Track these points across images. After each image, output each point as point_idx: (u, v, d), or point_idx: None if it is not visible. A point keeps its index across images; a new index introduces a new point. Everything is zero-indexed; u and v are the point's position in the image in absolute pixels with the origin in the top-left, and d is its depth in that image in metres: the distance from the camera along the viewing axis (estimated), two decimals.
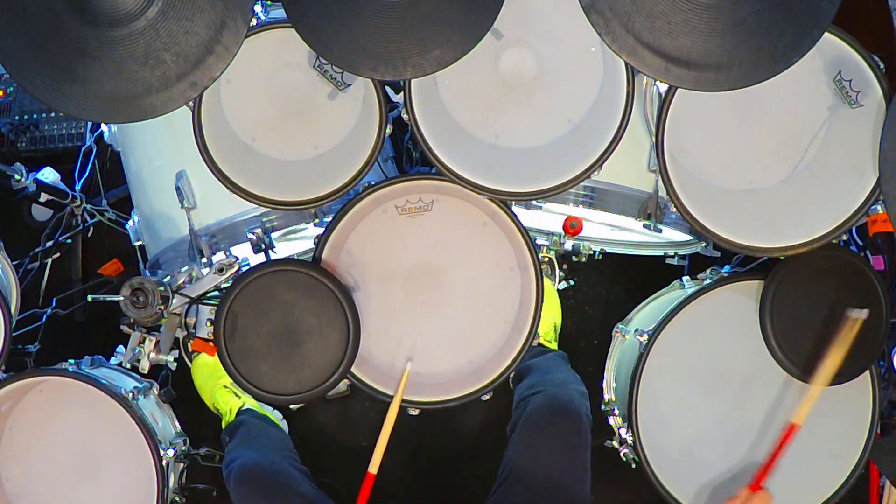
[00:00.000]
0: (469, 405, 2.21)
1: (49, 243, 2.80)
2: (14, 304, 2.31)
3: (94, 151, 2.83)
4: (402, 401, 2.18)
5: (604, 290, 2.82)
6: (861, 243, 2.42)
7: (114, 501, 2.25)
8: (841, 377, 2.08)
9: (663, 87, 1.97)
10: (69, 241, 2.84)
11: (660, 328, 2.17)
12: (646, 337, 2.19)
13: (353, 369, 2.15)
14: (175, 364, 2.35)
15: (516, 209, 2.17)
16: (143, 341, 2.30)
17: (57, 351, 2.40)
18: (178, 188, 2.17)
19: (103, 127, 2.43)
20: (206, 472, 2.47)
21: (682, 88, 1.90)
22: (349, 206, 2.12)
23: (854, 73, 1.97)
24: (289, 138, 2.14)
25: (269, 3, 2.07)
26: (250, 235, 2.17)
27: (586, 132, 2.09)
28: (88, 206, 2.80)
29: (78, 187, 2.81)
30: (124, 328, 2.31)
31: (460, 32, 1.85)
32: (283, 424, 2.58)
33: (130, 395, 2.17)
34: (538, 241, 2.45)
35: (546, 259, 2.49)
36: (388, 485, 2.72)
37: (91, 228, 2.86)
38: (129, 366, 2.32)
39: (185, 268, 2.27)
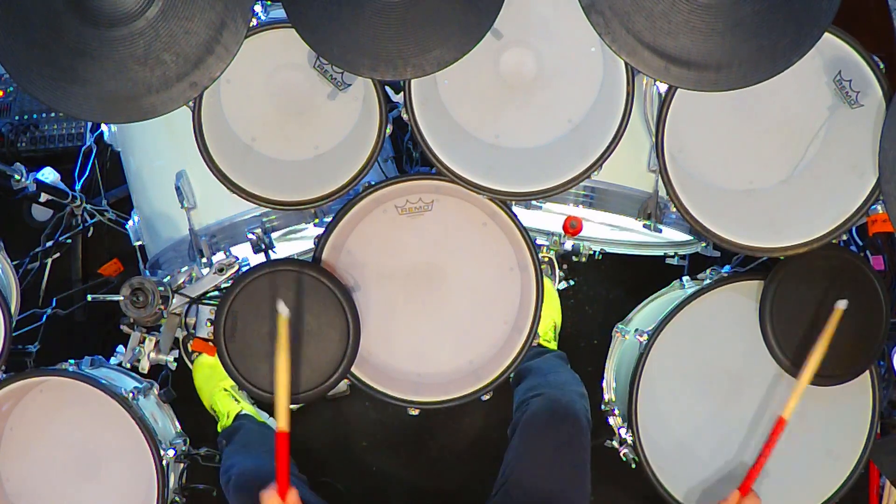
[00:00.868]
0: (469, 405, 2.21)
1: (49, 243, 2.80)
2: (14, 304, 2.31)
3: (94, 151, 2.83)
4: (402, 401, 2.18)
5: (604, 290, 2.82)
6: (861, 243, 2.42)
7: (114, 501, 2.25)
8: (841, 377, 2.08)
9: (663, 87, 1.97)
10: (69, 241, 2.84)
11: (660, 328, 2.17)
12: (646, 337, 2.19)
13: (353, 369, 2.15)
14: (175, 364, 2.35)
15: (516, 209, 2.17)
16: (143, 341, 2.31)
17: (57, 351, 2.40)
18: (178, 188, 2.17)
19: (103, 127, 2.43)
20: (206, 472, 2.47)
21: (682, 88, 1.89)
22: (349, 206, 2.12)
23: (854, 73, 1.97)
24: (289, 138, 2.14)
25: (269, 3, 2.07)
26: (250, 235, 2.17)
27: (586, 132, 2.09)
28: (88, 206, 2.80)
29: (78, 187, 2.81)
30: (124, 328, 2.31)
31: (460, 32, 1.85)
32: None
33: (130, 395, 2.17)
34: (538, 241, 2.45)
35: (546, 259, 2.49)
36: (388, 485, 2.72)
37: (91, 228, 2.86)
38: (129, 366, 2.32)
39: (185, 268, 2.27)
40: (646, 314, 2.42)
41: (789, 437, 2.15)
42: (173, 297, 2.25)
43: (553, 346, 2.56)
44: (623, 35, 1.82)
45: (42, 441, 2.26)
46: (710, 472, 2.23)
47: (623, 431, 2.29)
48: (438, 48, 1.85)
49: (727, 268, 2.28)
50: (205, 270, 2.24)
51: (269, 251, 2.19)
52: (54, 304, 2.68)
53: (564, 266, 2.57)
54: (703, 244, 2.37)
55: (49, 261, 2.84)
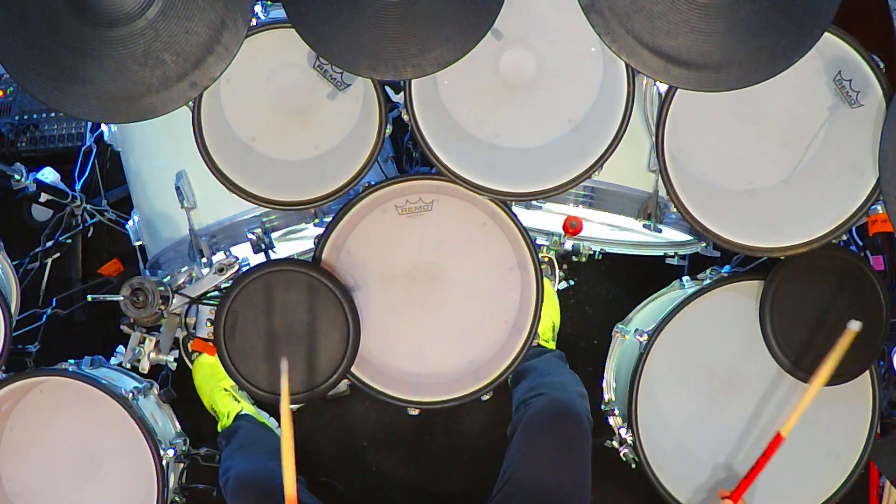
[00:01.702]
0: (469, 405, 2.21)
1: (49, 243, 2.79)
2: (14, 304, 2.30)
3: (94, 151, 2.83)
4: (402, 401, 2.18)
5: (604, 290, 2.82)
6: (861, 243, 2.42)
7: (114, 501, 2.25)
8: (840, 377, 2.08)
9: (663, 87, 1.97)
10: (69, 241, 2.84)
11: (660, 328, 2.17)
12: (646, 337, 2.19)
13: (353, 369, 2.15)
14: (175, 364, 2.35)
15: (516, 209, 2.17)
16: (143, 341, 2.31)
17: (57, 351, 2.40)
18: (178, 188, 2.17)
19: (103, 127, 2.43)
20: (206, 472, 2.47)
21: (682, 88, 1.90)
22: (349, 206, 2.12)
23: (854, 73, 1.97)
24: (289, 138, 2.14)
25: (269, 3, 2.07)
26: (250, 235, 2.17)
27: (586, 132, 2.09)
28: (88, 206, 2.80)
29: (78, 187, 2.81)
30: (124, 328, 2.31)
31: (460, 32, 1.85)
32: (279, 433, 2.57)
33: (130, 395, 2.17)
34: (538, 241, 2.45)
35: (546, 259, 2.49)
36: (388, 485, 2.72)
37: (91, 228, 2.86)
38: (129, 366, 2.32)
39: (185, 268, 2.27)
40: (646, 314, 2.42)
41: (790, 437, 2.16)
42: (173, 297, 2.25)
43: (552, 346, 2.56)
44: (623, 35, 1.82)
45: (42, 441, 2.26)
46: (710, 472, 2.23)
47: (623, 431, 2.29)
48: (438, 48, 1.85)
49: (727, 268, 2.28)
50: (205, 270, 2.24)
51: (269, 251, 2.19)
52: (54, 304, 2.68)
53: (564, 266, 2.57)
54: (703, 244, 2.36)
55: (49, 261, 2.83)
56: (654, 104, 2.06)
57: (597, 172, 2.03)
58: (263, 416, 2.55)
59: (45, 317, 2.63)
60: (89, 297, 2.38)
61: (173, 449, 2.23)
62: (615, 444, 2.34)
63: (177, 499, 2.28)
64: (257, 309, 2.10)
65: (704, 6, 1.79)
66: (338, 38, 1.86)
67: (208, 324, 2.26)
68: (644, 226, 2.17)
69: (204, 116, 2.01)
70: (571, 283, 2.63)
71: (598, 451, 2.21)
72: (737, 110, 2.08)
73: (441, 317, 2.24)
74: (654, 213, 2.14)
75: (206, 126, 2.01)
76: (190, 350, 2.36)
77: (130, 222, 2.44)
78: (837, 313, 2.09)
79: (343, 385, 2.51)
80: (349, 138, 2.13)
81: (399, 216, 2.21)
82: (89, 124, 2.88)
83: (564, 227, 2.28)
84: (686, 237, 2.36)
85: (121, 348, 2.34)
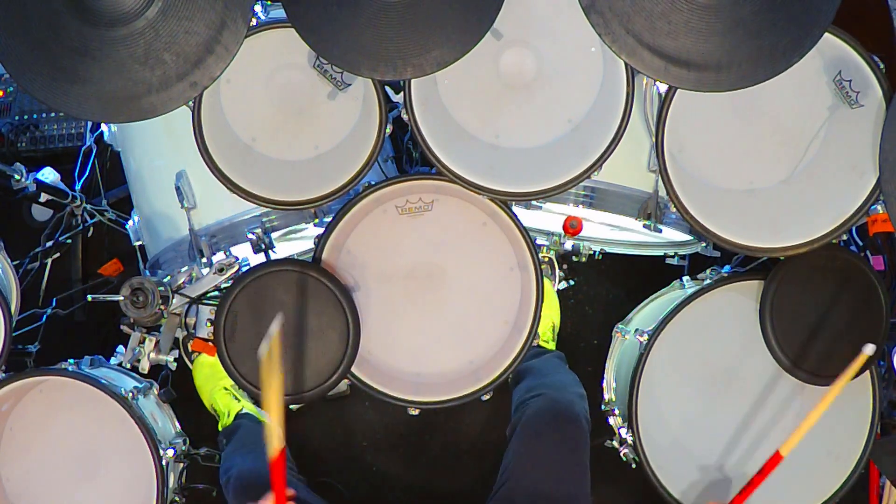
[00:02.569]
0: (469, 405, 2.21)
1: (49, 243, 2.80)
2: (14, 304, 2.30)
3: (94, 151, 2.83)
4: (402, 401, 2.18)
5: (604, 290, 2.82)
6: (861, 243, 2.42)
7: (114, 501, 2.25)
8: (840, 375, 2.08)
9: (663, 87, 1.97)
10: (69, 241, 2.84)
11: (660, 328, 2.17)
12: (646, 337, 2.19)
13: (353, 369, 2.15)
14: (175, 364, 2.35)
15: (516, 209, 2.17)
16: (143, 341, 2.31)
17: (57, 351, 2.40)
18: (178, 188, 2.17)
19: (103, 127, 2.43)
20: (206, 472, 2.47)
21: (682, 89, 1.89)
22: (349, 206, 2.12)
23: (854, 73, 1.97)
24: (289, 138, 2.14)
25: (269, 3, 2.07)
26: (250, 235, 2.17)
27: (586, 132, 2.09)
28: (88, 206, 2.80)
29: (78, 187, 2.81)
30: (124, 328, 2.31)
31: (460, 32, 1.85)
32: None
33: (130, 395, 2.17)
34: (538, 241, 2.45)
35: (546, 259, 2.49)
36: (388, 485, 2.72)
37: (91, 228, 2.86)
38: (129, 366, 2.32)
39: (185, 268, 2.27)
40: (646, 314, 2.42)
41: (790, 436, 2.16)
42: (173, 297, 2.25)
43: (551, 346, 2.55)
44: (623, 35, 1.82)
45: (42, 441, 2.26)
46: (710, 472, 2.23)
47: (623, 431, 2.29)
48: (438, 48, 1.85)
49: (727, 268, 2.28)
50: (205, 270, 2.24)
51: (269, 251, 2.19)
52: (54, 304, 2.68)
53: (564, 266, 2.57)
54: (703, 244, 2.36)
55: (49, 261, 2.84)
56: (654, 104, 2.06)
57: (597, 172, 2.03)
58: (263, 416, 2.55)
59: (45, 317, 2.63)
60: (89, 297, 2.37)
61: (173, 449, 2.23)
62: (615, 444, 2.34)
63: (177, 499, 2.28)
64: (257, 309, 2.10)
65: (705, 6, 1.79)
66: (338, 38, 1.86)
67: (208, 324, 2.26)
68: (644, 226, 2.17)
69: (204, 116, 2.01)
70: (571, 283, 2.63)
71: (598, 451, 2.22)
72: (737, 110, 2.08)
73: (441, 317, 2.24)
74: (654, 213, 2.14)
75: (206, 126, 2.02)
76: (190, 350, 2.36)
77: (130, 222, 2.44)
78: (837, 313, 2.10)
79: (343, 385, 2.52)
80: (349, 138, 2.13)
81: (399, 216, 2.21)
82: (89, 124, 2.88)
83: (564, 227, 2.28)
84: (686, 237, 2.36)
85: (121, 348, 2.34)
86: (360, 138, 2.07)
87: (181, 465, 2.33)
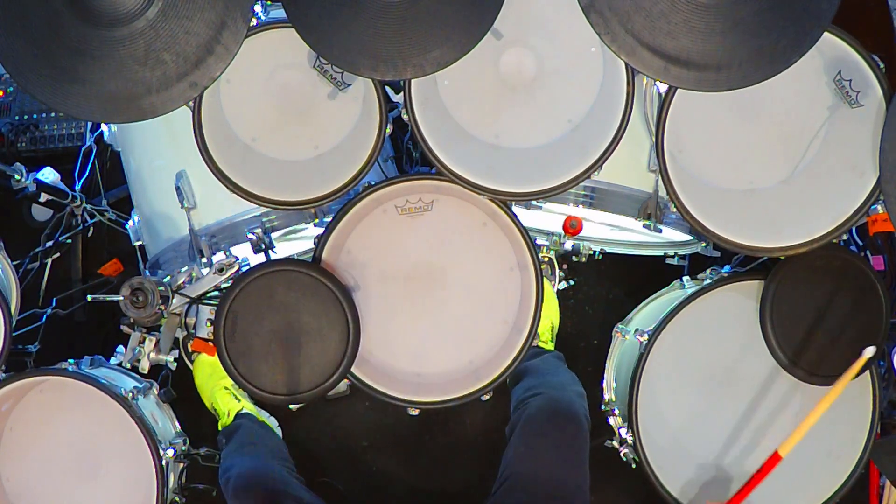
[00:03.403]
0: (469, 405, 2.21)
1: (49, 243, 2.80)
2: (14, 304, 2.30)
3: (94, 151, 2.83)
4: (402, 401, 2.18)
5: (604, 290, 2.82)
6: (861, 243, 2.42)
7: (114, 501, 2.25)
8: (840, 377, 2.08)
9: (663, 87, 1.97)
10: (69, 241, 2.84)
11: (660, 328, 2.17)
12: (646, 337, 2.19)
13: (353, 369, 2.15)
14: (175, 364, 2.35)
15: (516, 209, 2.17)
16: (143, 341, 2.30)
17: (57, 351, 2.40)
18: (178, 188, 2.17)
19: (103, 127, 2.43)
20: (206, 472, 2.47)
21: (682, 88, 1.90)
22: (349, 206, 2.12)
23: (854, 73, 1.97)
24: (289, 138, 2.14)
25: (269, 3, 2.07)
26: (250, 235, 2.17)
27: (586, 132, 2.09)
28: (88, 206, 2.80)
29: (78, 187, 2.81)
30: (124, 328, 2.31)
31: (460, 32, 1.85)
32: (279, 432, 2.58)
33: (130, 395, 2.17)
34: (538, 241, 2.44)
35: (546, 259, 2.49)
36: (388, 485, 2.72)
37: (91, 228, 2.86)
38: (129, 366, 2.32)
39: (185, 268, 2.27)
40: (646, 314, 2.42)
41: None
42: (173, 297, 2.25)
43: (550, 347, 2.55)
44: (622, 35, 1.82)
45: (42, 441, 2.25)
46: (710, 472, 2.23)
47: (623, 431, 2.29)
48: (438, 48, 1.85)
49: (727, 268, 2.28)
50: (205, 270, 2.24)
51: (269, 251, 2.19)
52: (54, 304, 2.68)
53: (564, 266, 2.57)
54: (703, 244, 2.36)
55: (49, 261, 2.83)
56: (654, 104, 2.06)
57: (597, 172, 2.03)
58: (264, 416, 2.55)
59: (45, 317, 2.63)
60: (89, 297, 2.37)
61: (173, 449, 2.23)
62: (615, 444, 2.34)
63: (177, 499, 2.28)
64: (257, 309, 2.10)
65: (704, 6, 1.79)
66: (338, 38, 1.86)
67: (208, 324, 2.26)
68: (644, 226, 2.17)
69: (204, 116, 2.01)
70: (571, 283, 2.63)
71: (598, 451, 2.22)
72: (737, 110, 2.08)
73: (441, 317, 2.24)
74: (654, 213, 2.14)
75: (206, 126, 2.02)
76: (190, 350, 2.36)
77: (130, 222, 2.44)
78: (837, 313, 2.10)
79: (343, 385, 2.52)
80: (349, 138, 2.13)
81: (399, 216, 2.21)
82: (89, 124, 2.88)
83: (564, 227, 2.28)
84: (686, 237, 2.36)
85: (121, 348, 2.34)
86: (360, 138, 2.07)
87: (181, 465, 2.33)
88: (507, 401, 2.36)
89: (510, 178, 2.08)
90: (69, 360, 2.26)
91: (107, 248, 2.90)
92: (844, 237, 2.08)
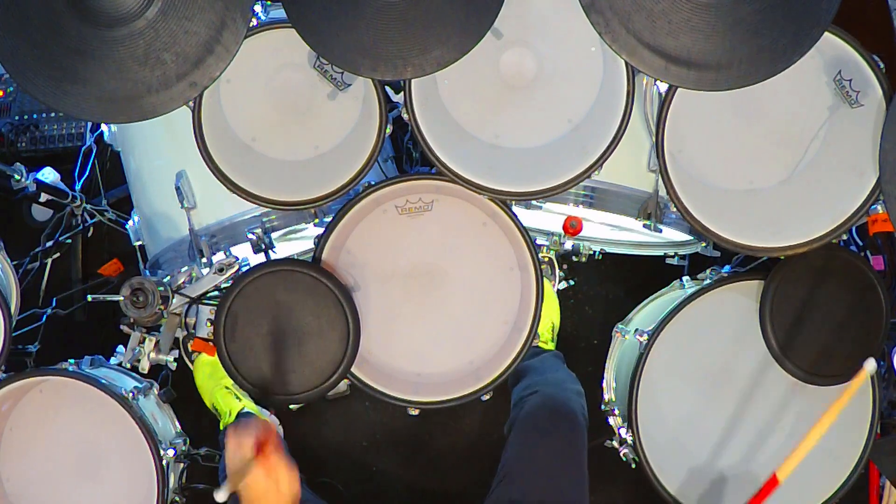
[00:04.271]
0: (469, 405, 2.21)
1: (49, 243, 2.80)
2: (14, 304, 2.31)
3: (94, 151, 2.83)
4: (402, 401, 2.18)
5: (604, 290, 2.82)
6: (861, 243, 2.42)
7: (114, 501, 2.25)
8: (840, 377, 2.08)
9: (663, 87, 1.97)
10: (69, 241, 2.84)
11: (660, 328, 2.17)
12: (646, 337, 2.19)
13: (353, 369, 2.15)
14: (175, 364, 2.35)
15: (516, 209, 2.17)
16: (143, 341, 2.30)
17: (57, 351, 2.40)
18: (178, 188, 2.17)
19: (103, 127, 2.43)
20: (206, 472, 2.47)
21: (682, 88, 1.90)
22: (349, 206, 2.12)
23: (854, 73, 1.97)
24: (289, 138, 2.14)
25: (269, 3, 2.07)
26: (250, 235, 2.17)
27: (586, 132, 2.09)
28: (88, 206, 2.80)
29: (78, 187, 2.81)
30: (124, 328, 2.31)
31: (460, 32, 1.85)
32: (280, 430, 2.58)
33: (130, 395, 2.17)
34: (538, 241, 2.45)
35: (546, 259, 2.49)
36: (388, 485, 2.72)
37: (91, 228, 2.86)
38: (129, 366, 2.32)
39: (185, 268, 2.27)
40: (646, 314, 2.42)
41: (790, 437, 2.16)
42: (173, 297, 2.25)
43: (551, 346, 2.56)
44: (623, 35, 1.82)
45: (42, 441, 2.25)
46: (710, 472, 2.23)
47: (623, 431, 2.29)
48: (438, 48, 1.85)
49: (727, 268, 2.28)
50: (205, 270, 2.24)
51: (269, 251, 2.19)
52: (54, 304, 2.68)
53: (564, 266, 2.57)
54: (703, 244, 2.36)
55: (49, 261, 2.84)
56: (654, 104, 2.06)
57: (597, 172, 2.03)
58: (265, 415, 2.55)
59: (45, 317, 2.64)
60: (89, 297, 2.37)
61: (173, 449, 2.23)
62: (615, 444, 2.34)
63: (177, 499, 2.28)
64: (257, 309, 2.10)
65: (705, 5, 1.79)
66: (338, 38, 1.86)
67: (208, 324, 2.26)
68: (644, 226, 2.17)
69: (204, 116, 2.01)
70: (571, 283, 2.63)
71: (598, 451, 2.22)
72: (737, 110, 2.08)
73: (441, 317, 2.24)
74: (654, 213, 2.14)
75: (206, 126, 2.02)
76: (190, 350, 2.36)
77: (130, 222, 2.44)
78: (837, 313, 2.10)
79: (343, 385, 2.52)
80: (349, 138, 2.13)
81: (399, 216, 2.21)
82: (89, 124, 2.89)
83: (564, 227, 2.28)
84: (686, 237, 2.36)
85: (121, 348, 2.34)
86: (360, 138, 2.07)
87: (181, 465, 2.33)
88: (507, 401, 2.36)
89: (510, 178, 2.08)
90: (69, 360, 2.26)
91: (107, 248, 2.90)
92: (844, 237, 2.08)
